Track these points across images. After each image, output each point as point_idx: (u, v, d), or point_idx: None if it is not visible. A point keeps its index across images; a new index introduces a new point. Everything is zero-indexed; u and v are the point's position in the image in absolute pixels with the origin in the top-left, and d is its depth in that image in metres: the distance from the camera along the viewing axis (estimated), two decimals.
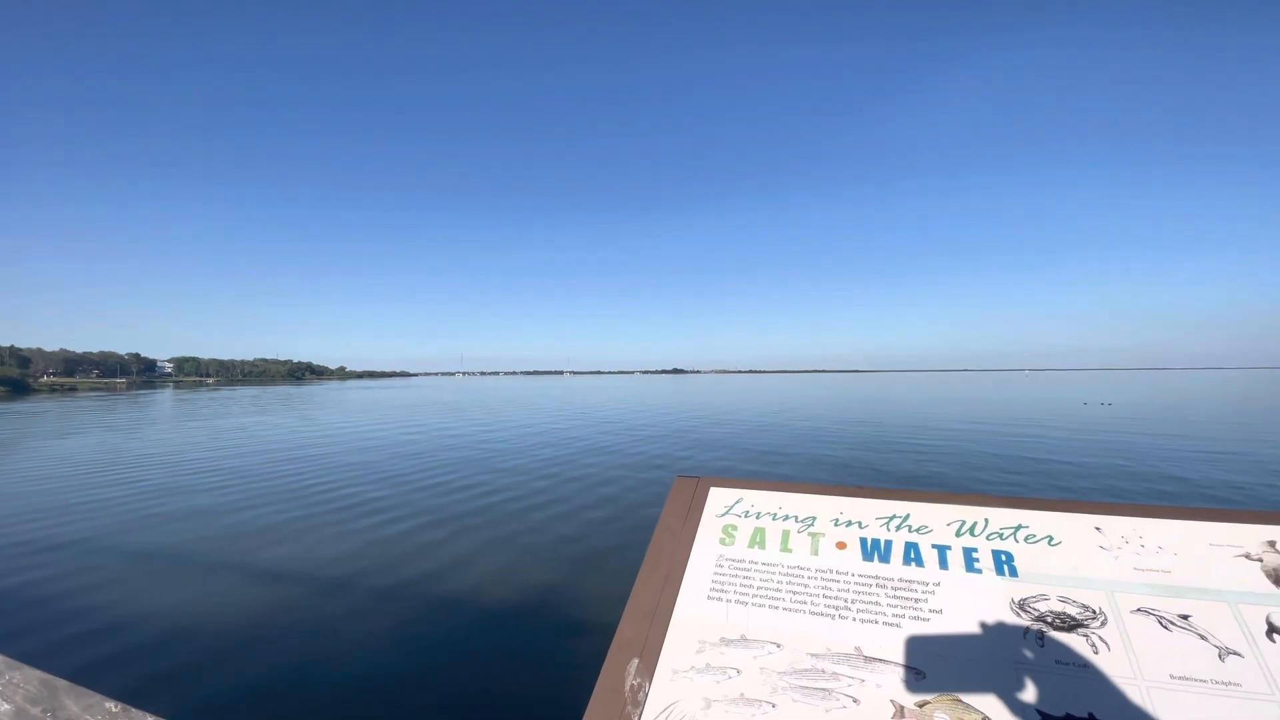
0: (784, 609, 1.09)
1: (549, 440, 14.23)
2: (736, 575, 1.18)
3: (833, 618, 1.05)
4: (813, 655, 1.00)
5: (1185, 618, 0.93)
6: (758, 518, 1.30)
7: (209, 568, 5.34)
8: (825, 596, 1.09)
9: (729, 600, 1.13)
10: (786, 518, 1.28)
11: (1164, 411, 20.10)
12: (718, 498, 1.38)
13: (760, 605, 1.11)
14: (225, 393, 56.65)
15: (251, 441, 14.87)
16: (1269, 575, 0.97)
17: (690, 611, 1.13)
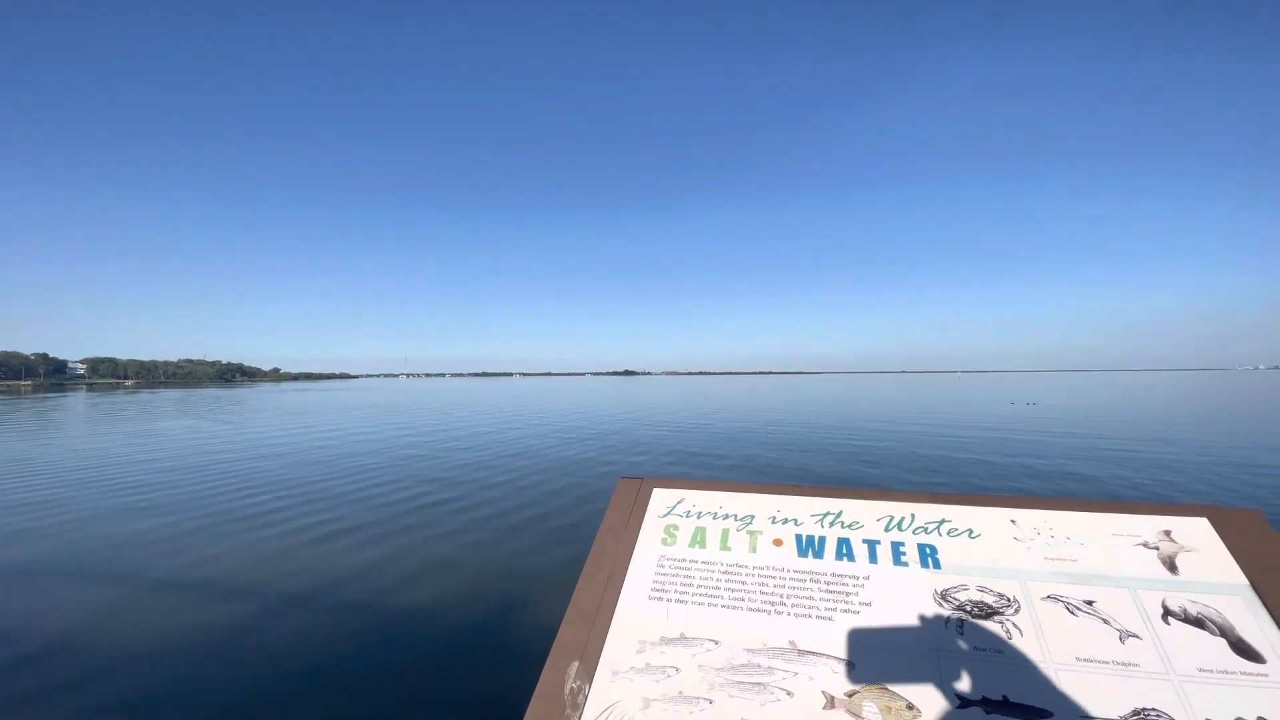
0: (722, 606, 1.11)
1: (472, 444, 13.79)
2: (677, 575, 1.19)
3: (769, 613, 1.08)
4: (749, 651, 1.02)
5: (1090, 603, 1.00)
6: (699, 517, 1.32)
7: (85, 579, 4.99)
8: (762, 593, 1.12)
9: (670, 599, 1.14)
10: (727, 517, 1.30)
11: (1083, 412, 21.52)
12: (660, 498, 1.39)
13: (700, 603, 1.13)
14: (145, 396, 53.01)
15: (148, 449, 13.82)
16: (1164, 563, 1.06)
17: (631, 612, 1.14)
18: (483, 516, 6.91)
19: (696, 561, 1.21)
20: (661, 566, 1.22)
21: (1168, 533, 1.10)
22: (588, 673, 1.05)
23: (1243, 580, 1.01)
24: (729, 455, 11.38)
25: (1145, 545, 1.08)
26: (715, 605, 1.12)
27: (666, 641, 1.07)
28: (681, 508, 1.35)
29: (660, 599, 1.15)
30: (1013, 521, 1.17)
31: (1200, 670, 0.89)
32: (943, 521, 1.19)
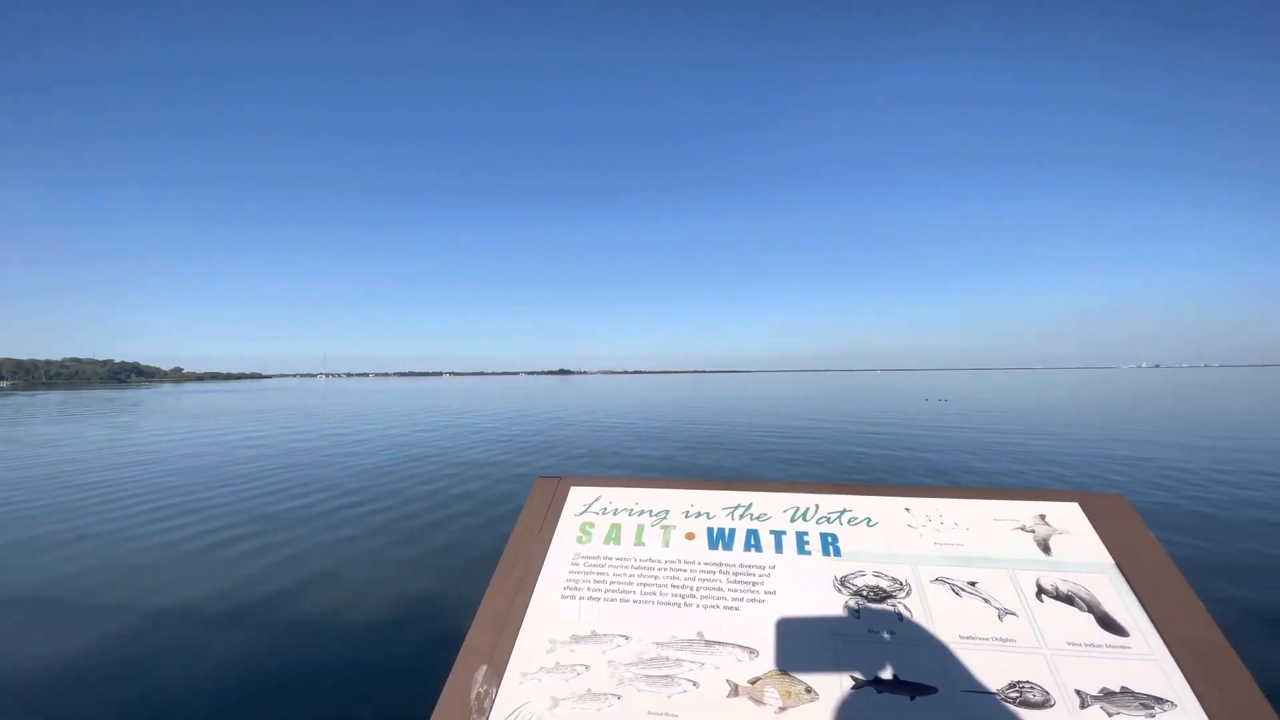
0: (634, 601, 1.11)
1: (381, 446, 13.09)
2: (591, 572, 1.19)
3: (679, 606, 1.09)
4: (658, 644, 1.03)
5: (973, 584, 1.07)
6: (615, 514, 1.31)
7: None
8: (673, 586, 1.13)
9: (582, 598, 1.14)
10: (642, 513, 1.31)
11: (987, 408, 23.13)
12: (578, 497, 1.38)
13: (612, 600, 1.12)
14: (22, 398, 47.55)
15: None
16: (1039, 544, 1.14)
17: (544, 612, 1.12)
18: (384, 522, 6.54)
19: (611, 558, 1.21)
20: (576, 565, 1.21)
21: (1043, 517, 1.19)
22: (496, 676, 1.02)
23: (1109, 560, 1.10)
24: (648, 454, 11.40)
25: (1023, 529, 1.17)
26: (628, 601, 1.12)
27: (577, 640, 1.06)
28: (598, 505, 1.35)
29: (573, 597, 1.14)
30: (907, 510, 1.23)
31: (1070, 644, 0.97)
32: (844, 511, 1.24)
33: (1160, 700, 0.88)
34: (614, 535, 1.26)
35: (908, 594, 1.07)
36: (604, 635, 1.06)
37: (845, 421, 17.84)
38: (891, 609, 1.05)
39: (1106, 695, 0.89)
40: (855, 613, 1.05)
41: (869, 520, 1.22)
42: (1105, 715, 0.87)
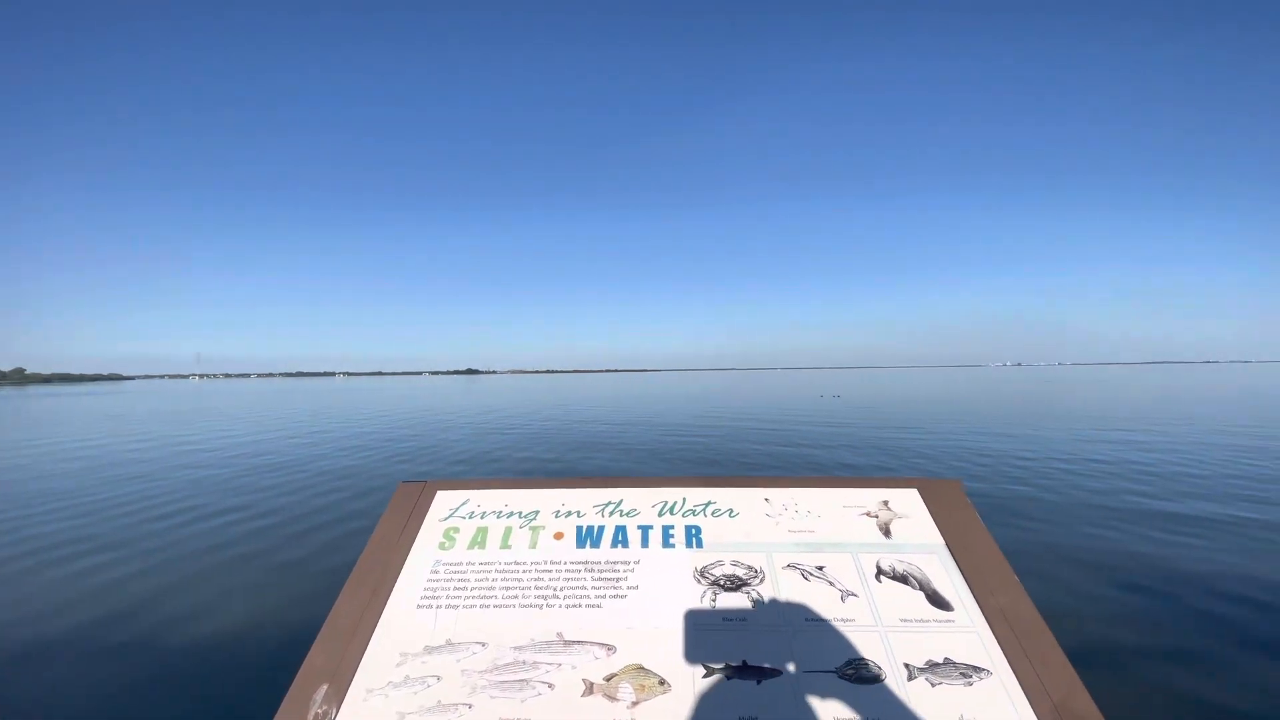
0: (495, 606, 1.08)
1: (222, 458, 11.75)
2: (452, 579, 1.14)
3: (541, 608, 1.07)
4: (516, 648, 1.01)
5: (821, 568, 1.13)
6: (482, 517, 1.28)
7: None
8: (537, 588, 1.11)
9: (440, 606, 1.09)
10: (511, 515, 1.28)
11: (872, 404, 24.88)
12: (444, 501, 1.33)
13: (472, 606, 1.09)
14: None
15: None
16: (880, 528, 1.23)
17: (396, 624, 1.06)
18: (232, 537, 5.83)
19: (474, 563, 1.17)
20: (435, 572, 1.16)
21: (886, 502, 1.29)
22: (338, 695, 0.96)
23: (940, 541, 1.20)
24: (539, 456, 11.10)
25: (868, 514, 1.26)
26: (488, 606, 1.09)
27: (430, 650, 1.01)
28: (465, 509, 1.30)
29: (430, 606, 1.09)
30: (766, 500, 1.29)
31: (902, 620, 1.04)
32: (709, 504, 1.28)
33: (977, 669, 0.97)
34: (479, 539, 1.22)
35: (761, 581, 1.11)
36: (459, 644, 1.02)
37: (741, 419, 18.49)
38: (746, 596, 1.08)
39: (931, 666, 0.97)
40: (712, 601, 1.08)
41: (731, 511, 1.26)
42: (929, 685, 0.94)
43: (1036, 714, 0.90)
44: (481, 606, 1.09)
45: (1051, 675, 0.96)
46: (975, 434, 13.07)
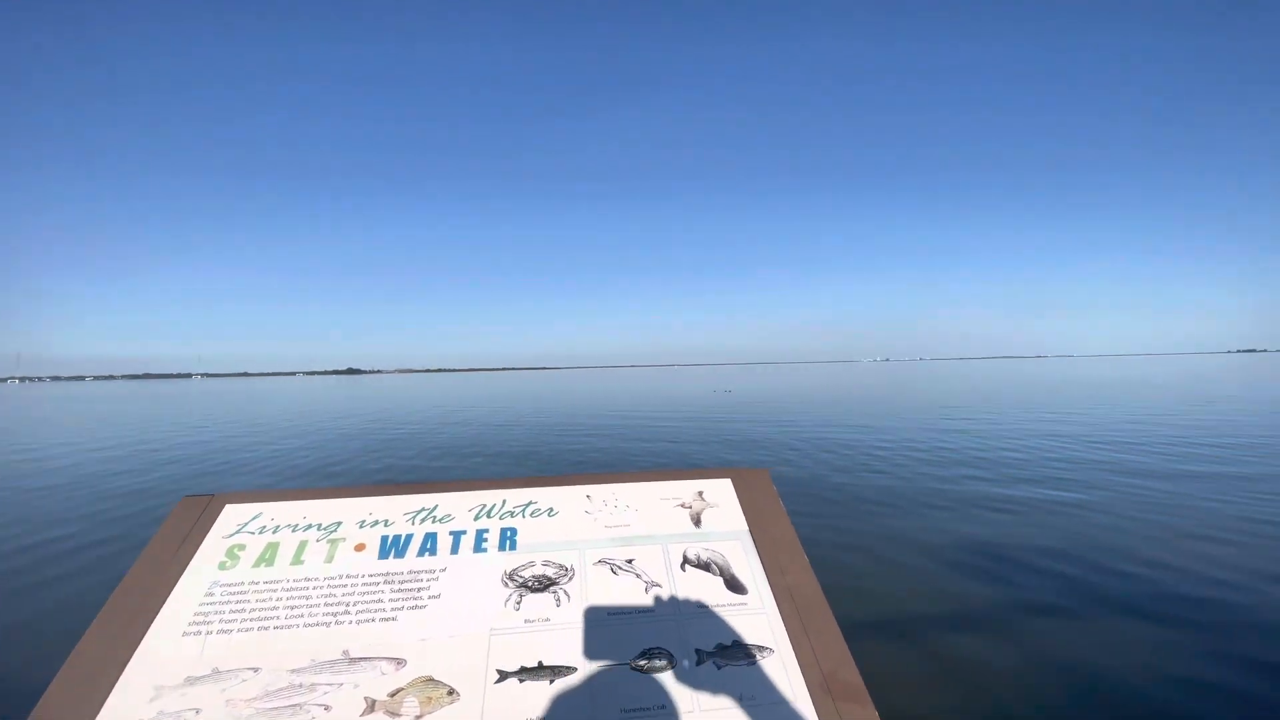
0: (275, 628, 1.00)
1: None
2: (229, 601, 1.04)
3: (328, 626, 1.00)
4: (294, 671, 0.93)
5: (630, 561, 1.15)
6: (274, 532, 1.17)
7: None
8: (326, 605, 1.04)
9: (210, 632, 0.99)
10: (309, 527, 1.18)
11: (757, 398, 26.16)
12: (231, 516, 1.20)
13: (248, 630, 0.99)
14: None
15: None
16: (693, 519, 1.27)
17: (155, 655, 0.95)
18: None
19: (258, 583, 1.07)
20: (211, 595, 1.05)
21: (701, 493, 1.33)
22: None
23: (744, 527, 1.27)
24: (392, 463, 10.41)
25: (683, 505, 1.30)
26: (267, 629, 1.00)
27: (192, 682, 0.91)
28: (256, 524, 1.19)
29: (199, 633, 0.99)
30: (588, 497, 1.29)
31: (700, 607, 1.08)
32: (529, 504, 1.26)
33: (762, 648, 1.02)
34: (268, 556, 1.12)
35: (571, 579, 1.11)
36: (227, 672, 0.93)
37: (633, 416, 18.73)
38: (553, 596, 1.08)
39: (720, 650, 1.01)
40: (516, 604, 1.06)
41: (551, 510, 1.25)
42: (715, 668, 0.98)
43: (808, 685, 0.97)
44: (260, 629, 1.00)
45: (824, 648, 1.03)
46: (843, 426, 14.12)
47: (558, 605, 1.06)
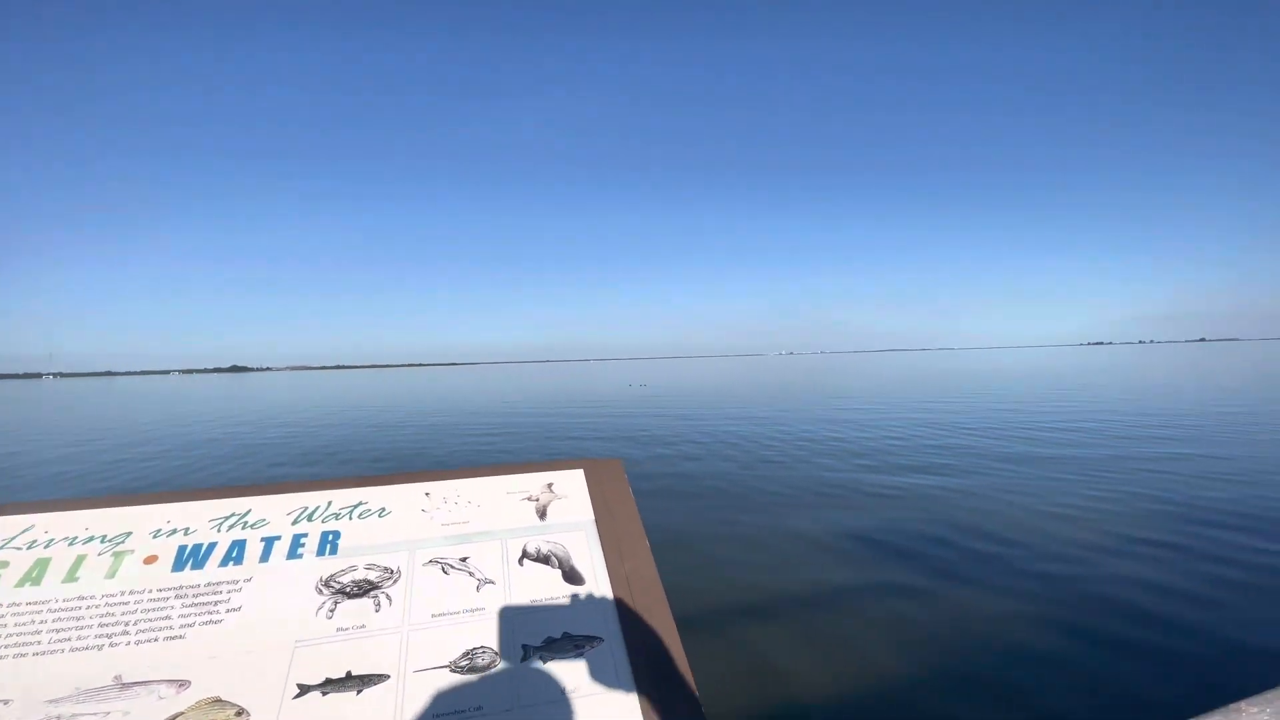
0: (34, 655, 0.87)
1: None
2: None
3: (100, 649, 0.89)
4: (52, 702, 0.82)
5: (464, 559, 1.11)
6: (47, 546, 1.03)
7: None
8: (101, 626, 0.92)
9: None
10: (90, 540, 1.05)
11: (677, 391, 26.60)
12: None
13: (2, 659, 0.86)
14: None
15: None
16: (538, 512, 1.24)
17: None
18: None
19: (19, 604, 0.93)
20: None
21: (550, 485, 1.31)
22: None
23: (590, 517, 1.25)
24: (243, 471, 9.57)
25: (529, 499, 1.27)
26: (25, 655, 0.87)
27: None
28: (25, 538, 1.04)
29: None
30: (427, 494, 1.23)
31: (533, 601, 1.05)
32: (359, 505, 1.19)
33: (592, 638, 1.01)
34: (35, 574, 0.98)
35: (395, 582, 1.05)
36: None
37: (541, 412, 18.51)
38: (371, 601, 1.01)
39: (548, 644, 0.99)
40: (329, 613, 0.99)
41: (383, 511, 1.18)
42: (541, 662, 0.96)
43: (634, 673, 0.97)
44: (16, 656, 0.86)
45: (655, 636, 1.04)
46: (742, 420, 14.64)
47: (377, 610, 1.00)
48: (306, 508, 1.16)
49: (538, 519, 1.23)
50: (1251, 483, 6.32)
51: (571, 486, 1.32)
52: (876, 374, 38.28)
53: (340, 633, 0.96)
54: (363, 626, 0.97)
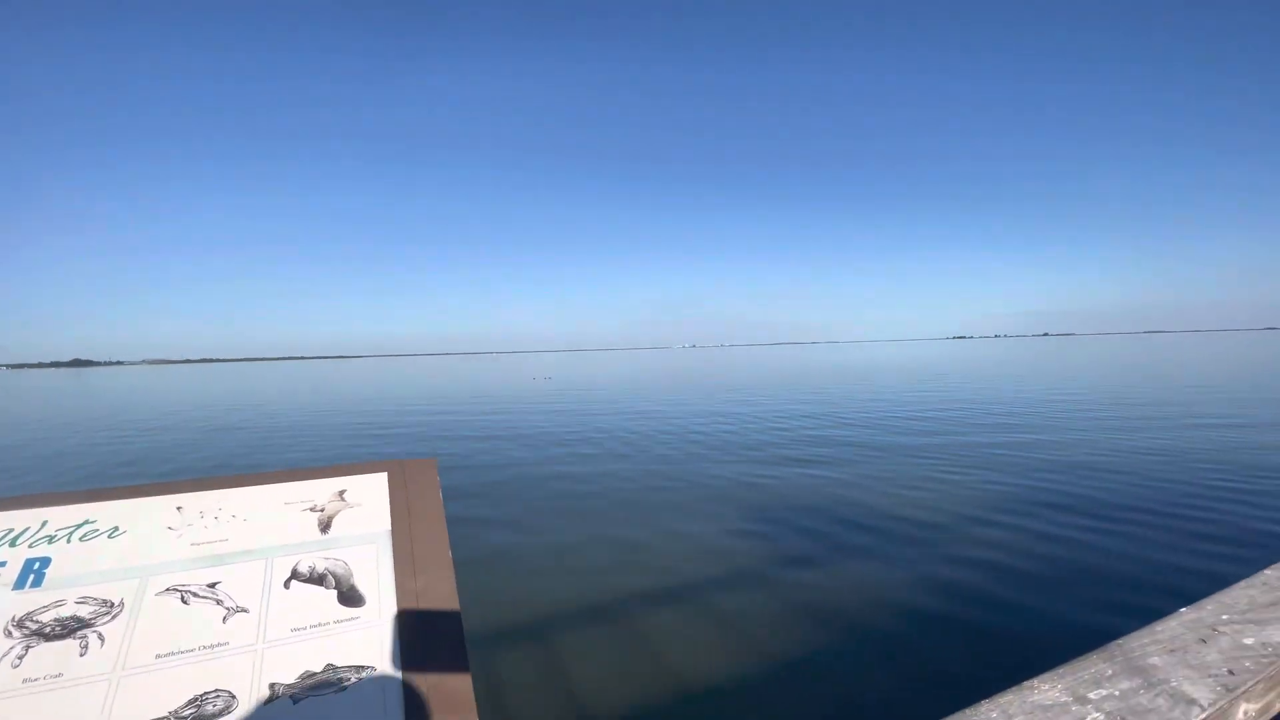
0: None
1: None
2: None
3: None
4: None
5: (213, 585, 0.95)
6: None
7: None
8: None
9: None
10: None
11: (580, 384, 26.38)
12: None
13: None
14: None
15: None
16: (320, 524, 1.10)
17: None
18: None
19: None
20: None
21: (342, 493, 1.17)
22: None
23: (386, 527, 1.12)
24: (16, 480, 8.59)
25: (313, 509, 1.12)
26: None
27: None
28: None
29: None
30: (178, 509, 1.06)
31: (294, 630, 0.92)
32: (84, 524, 1.00)
33: (361, 668, 0.89)
34: None
35: (114, 616, 0.88)
36: None
37: (433, 409, 17.73)
38: (78, 642, 0.84)
39: (304, 678, 0.86)
40: (18, 661, 0.81)
41: (115, 530, 1.00)
42: (291, 703, 0.83)
43: (405, 703, 0.87)
44: None
45: (438, 657, 0.94)
46: (642, 415, 14.80)
47: (83, 654, 0.83)
48: (12, 530, 0.96)
49: (319, 532, 1.09)
50: (1073, 463, 7.22)
51: (368, 493, 1.19)
52: (773, 367, 40.11)
53: (27, 685, 0.79)
54: (59, 676, 0.80)
